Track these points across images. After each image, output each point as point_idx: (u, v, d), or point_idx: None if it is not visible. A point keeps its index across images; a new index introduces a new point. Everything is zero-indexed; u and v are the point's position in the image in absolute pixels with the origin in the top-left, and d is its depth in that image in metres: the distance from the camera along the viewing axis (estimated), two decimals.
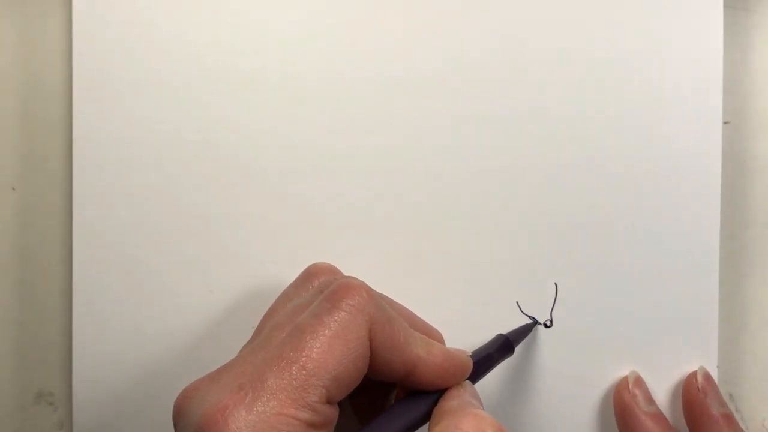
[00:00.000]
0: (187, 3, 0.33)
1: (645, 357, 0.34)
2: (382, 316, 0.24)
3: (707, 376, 0.32)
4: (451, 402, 0.25)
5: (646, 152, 0.34)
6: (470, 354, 0.28)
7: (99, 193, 0.33)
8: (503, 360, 0.31)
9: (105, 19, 0.33)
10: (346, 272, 0.33)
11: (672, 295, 0.34)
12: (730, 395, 0.35)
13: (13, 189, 0.35)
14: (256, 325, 0.33)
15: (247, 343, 0.26)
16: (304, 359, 0.22)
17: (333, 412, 0.23)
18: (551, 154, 0.34)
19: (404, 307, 0.29)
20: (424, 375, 0.25)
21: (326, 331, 0.23)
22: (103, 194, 0.33)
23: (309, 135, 0.33)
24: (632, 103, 0.34)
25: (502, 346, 0.31)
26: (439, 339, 0.30)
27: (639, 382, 0.33)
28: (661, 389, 0.34)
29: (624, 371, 0.34)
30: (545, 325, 0.34)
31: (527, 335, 0.33)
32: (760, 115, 0.36)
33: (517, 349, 0.33)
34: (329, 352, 0.23)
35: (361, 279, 0.25)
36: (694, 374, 0.33)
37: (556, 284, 0.34)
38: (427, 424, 0.25)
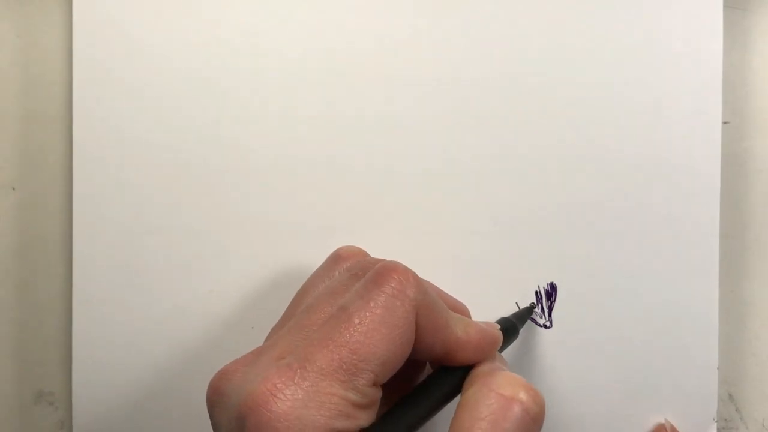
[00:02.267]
0: (187, 3, 0.33)
1: (645, 357, 0.34)
2: (425, 300, 0.24)
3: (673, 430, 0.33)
4: (482, 368, 0.26)
5: (646, 152, 0.34)
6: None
7: (99, 193, 0.33)
8: (510, 344, 0.31)
9: (105, 19, 0.33)
10: None
11: (672, 295, 0.34)
12: (730, 395, 0.36)
13: (13, 189, 0.35)
14: (255, 325, 0.33)
15: (276, 326, 0.26)
16: (354, 343, 0.22)
17: (378, 394, 0.23)
18: (550, 154, 0.34)
19: (436, 286, 0.29)
20: (463, 354, 0.25)
21: (374, 315, 0.23)
22: (103, 194, 0.33)
23: (309, 135, 0.33)
24: (632, 103, 0.34)
25: (508, 329, 0.30)
26: (467, 313, 0.30)
27: None
28: (661, 390, 0.34)
29: (623, 371, 0.34)
30: (545, 326, 0.34)
31: (528, 318, 0.33)
32: (760, 115, 0.36)
33: (516, 349, 0.33)
34: (378, 337, 0.22)
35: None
36: (662, 427, 0.33)
37: (555, 285, 0.34)
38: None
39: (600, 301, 0.34)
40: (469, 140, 0.34)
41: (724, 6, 0.34)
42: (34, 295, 0.35)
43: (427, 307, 0.24)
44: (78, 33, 0.33)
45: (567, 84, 0.34)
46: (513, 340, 0.31)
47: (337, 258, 0.28)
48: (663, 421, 0.34)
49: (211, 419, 0.23)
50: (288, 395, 0.21)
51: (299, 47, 0.33)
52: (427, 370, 0.29)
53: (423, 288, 0.24)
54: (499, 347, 0.27)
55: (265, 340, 0.25)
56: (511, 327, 0.31)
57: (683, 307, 0.34)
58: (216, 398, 0.23)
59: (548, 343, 0.34)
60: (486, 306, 0.34)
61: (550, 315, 0.34)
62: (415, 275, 0.24)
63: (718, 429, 0.34)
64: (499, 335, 0.27)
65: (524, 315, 0.33)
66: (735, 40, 0.36)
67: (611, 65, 0.34)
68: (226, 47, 0.33)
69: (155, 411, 0.33)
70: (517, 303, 0.33)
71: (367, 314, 0.23)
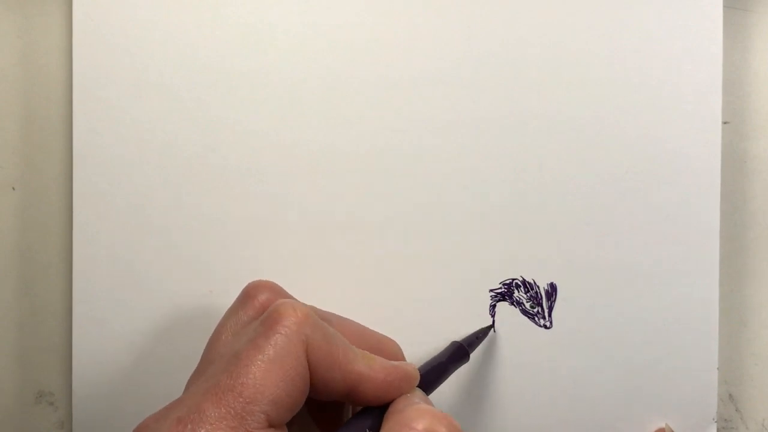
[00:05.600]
0: (187, 3, 0.33)
1: (645, 358, 0.34)
2: (318, 335, 0.24)
3: None
4: (398, 405, 0.25)
5: (646, 152, 0.34)
6: (420, 366, 0.28)
7: (99, 193, 0.33)
8: (458, 367, 0.31)
9: (105, 19, 0.33)
10: (345, 273, 0.33)
11: (672, 296, 0.34)
12: (730, 395, 0.36)
13: (13, 189, 0.35)
14: None
15: (194, 372, 0.26)
16: (240, 386, 0.22)
17: None
18: (551, 155, 0.34)
19: (353, 322, 0.29)
20: (368, 390, 0.25)
21: (261, 356, 0.23)
22: (103, 194, 0.33)
23: (309, 135, 0.33)
24: (632, 103, 0.34)
25: (456, 353, 0.31)
26: (394, 350, 0.30)
27: None
28: (661, 390, 0.34)
29: (623, 372, 0.34)
30: (545, 327, 0.34)
31: (484, 339, 0.33)
32: (760, 115, 0.36)
33: (515, 348, 0.33)
34: (265, 377, 0.23)
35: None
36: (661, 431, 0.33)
37: (555, 285, 0.34)
38: None
39: (600, 302, 0.34)
40: (468, 140, 0.34)
41: (724, 6, 0.34)
42: (34, 295, 0.35)
43: (321, 341, 0.24)
44: (78, 33, 0.33)
45: (567, 84, 0.34)
46: (463, 363, 0.31)
47: (245, 296, 0.28)
48: (663, 426, 0.34)
49: None
50: None
51: (300, 47, 0.33)
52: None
53: (315, 323, 0.24)
54: (414, 384, 0.27)
55: (184, 390, 0.25)
56: (458, 350, 0.31)
57: (683, 307, 0.34)
58: None
59: (548, 343, 0.34)
60: (487, 306, 0.34)
61: (550, 315, 0.34)
62: (305, 311, 0.24)
63: (718, 429, 0.34)
64: (414, 372, 0.27)
65: (479, 336, 0.33)
66: (735, 40, 0.36)
67: (611, 65, 0.34)
68: (226, 47, 0.33)
69: (155, 411, 0.33)
70: (491, 299, 0.33)
71: (254, 355, 0.23)
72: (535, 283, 0.34)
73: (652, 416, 0.34)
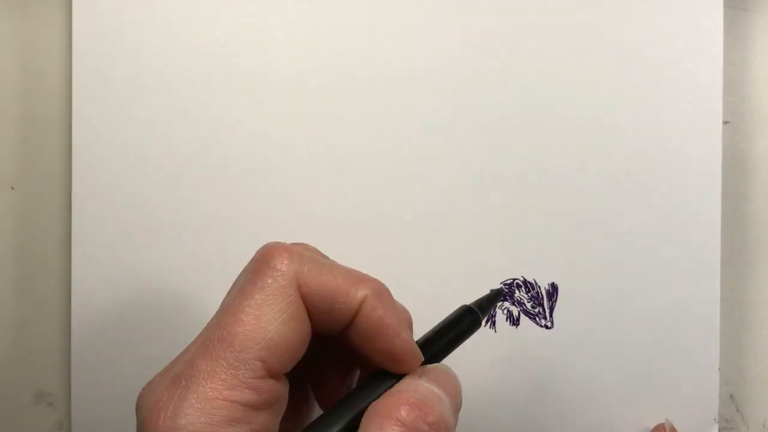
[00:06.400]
0: (187, 3, 0.33)
1: (646, 358, 0.34)
2: (312, 268, 0.23)
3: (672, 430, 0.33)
4: (403, 384, 0.23)
5: (646, 152, 0.34)
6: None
7: (99, 193, 0.33)
8: (469, 331, 0.29)
9: (105, 19, 0.33)
10: None
11: (673, 296, 0.34)
12: (731, 395, 0.35)
13: (13, 188, 0.34)
14: None
15: None
16: (229, 336, 0.21)
17: (278, 388, 0.22)
18: (551, 155, 0.34)
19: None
20: (372, 317, 0.23)
21: (249, 301, 0.22)
22: (102, 194, 0.33)
23: (309, 135, 0.33)
24: (632, 103, 0.34)
25: (466, 317, 0.29)
26: (407, 316, 0.28)
27: None
28: (663, 390, 0.34)
29: (625, 372, 0.34)
30: (546, 327, 0.34)
31: (494, 304, 0.32)
32: (760, 115, 0.36)
33: (515, 348, 0.33)
34: (256, 322, 0.21)
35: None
36: (662, 426, 0.33)
37: (557, 285, 0.34)
38: None
39: (601, 302, 0.34)
40: (470, 141, 0.34)
41: (724, 6, 0.34)
42: (33, 295, 0.34)
43: (314, 274, 0.22)
44: (78, 33, 0.33)
45: (567, 84, 0.34)
46: (476, 328, 0.30)
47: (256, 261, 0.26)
48: (663, 421, 0.34)
49: None
50: (174, 407, 0.20)
51: (300, 47, 0.33)
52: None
53: (303, 257, 0.23)
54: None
55: None
56: (468, 312, 0.29)
57: (684, 308, 0.34)
58: (136, 414, 0.23)
59: (549, 343, 0.34)
60: None
61: (551, 315, 0.34)
62: (291, 249, 0.23)
63: (719, 429, 0.34)
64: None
65: (490, 300, 0.31)
66: (736, 40, 0.36)
67: (611, 65, 0.34)
68: (225, 48, 0.33)
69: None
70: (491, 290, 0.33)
71: (242, 302, 0.22)
72: (536, 283, 0.34)
73: (652, 416, 0.34)
